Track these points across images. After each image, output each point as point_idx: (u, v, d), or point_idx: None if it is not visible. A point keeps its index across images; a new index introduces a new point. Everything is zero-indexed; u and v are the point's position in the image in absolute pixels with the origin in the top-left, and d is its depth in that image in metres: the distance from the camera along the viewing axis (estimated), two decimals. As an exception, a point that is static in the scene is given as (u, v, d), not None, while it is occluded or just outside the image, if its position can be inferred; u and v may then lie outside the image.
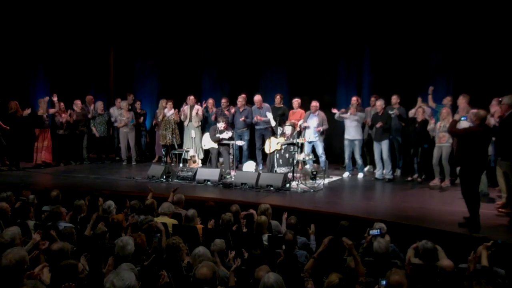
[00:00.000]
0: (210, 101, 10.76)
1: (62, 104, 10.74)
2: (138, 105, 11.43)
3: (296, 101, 9.78)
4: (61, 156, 10.84)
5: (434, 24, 9.73)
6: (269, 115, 9.62)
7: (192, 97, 10.59)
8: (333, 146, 10.63)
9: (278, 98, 10.09)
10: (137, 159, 11.13)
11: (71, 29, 12.37)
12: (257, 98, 9.96)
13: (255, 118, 9.83)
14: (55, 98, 10.55)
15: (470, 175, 5.77)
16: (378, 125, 8.70)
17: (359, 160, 9.27)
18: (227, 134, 9.25)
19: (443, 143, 8.17)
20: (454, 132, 6.09)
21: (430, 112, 8.67)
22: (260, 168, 9.88)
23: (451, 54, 9.71)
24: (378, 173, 9.03)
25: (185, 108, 10.60)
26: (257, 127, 9.99)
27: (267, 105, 9.98)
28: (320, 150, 9.41)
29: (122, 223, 5.17)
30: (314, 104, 9.40)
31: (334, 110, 9.59)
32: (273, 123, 9.51)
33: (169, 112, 10.56)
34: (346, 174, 9.42)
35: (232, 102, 10.33)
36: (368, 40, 10.77)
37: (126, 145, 10.99)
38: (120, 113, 10.96)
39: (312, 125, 9.37)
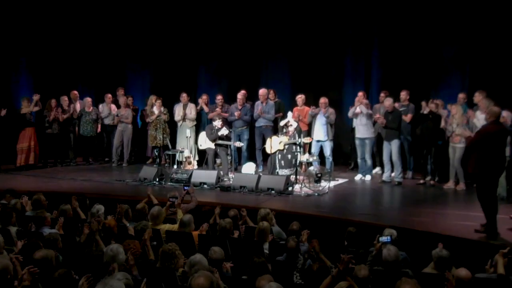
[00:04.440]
0: (204, 97, 10.71)
1: (54, 101, 10.67)
2: (130, 101, 11.42)
3: (300, 98, 9.76)
4: (48, 157, 10.83)
5: (447, 13, 9.68)
6: (268, 116, 9.62)
7: (184, 95, 10.58)
8: (342, 146, 10.62)
9: (271, 93, 10.15)
10: (129, 160, 11.13)
11: (57, 20, 12.35)
12: (261, 92, 9.90)
13: (257, 111, 9.81)
14: (36, 98, 10.48)
15: (486, 179, 5.74)
16: (380, 121, 8.70)
17: (368, 161, 9.25)
18: (224, 131, 9.25)
19: (456, 143, 8.14)
20: (470, 146, 6.03)
21: (446, 114, 8.59)
22: (260, 170, 9.88)
23: (466, 46, 9.67)
24: (385, 175, 9.01)
25: (179, 107, 10.60)
26: (257, 125, 9.96)
27: (271, 102, 9.95)
28: (328, 151, 9.40)
29: (114, 229, 5.16)
30: (323, 100, 9.37)
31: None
32: (281, 123, 9.45)
33: (157, 111, 10.50)
34: (358, 177, 9.38)
35: (231, 99, 10.31)
36: (376, 31, 10.73)
37: (120, 144, 10.97)
38: (115, 109, 10.96)
39: (321, 123, 9.35)
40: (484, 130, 5.86)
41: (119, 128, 10.92)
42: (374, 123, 9.16)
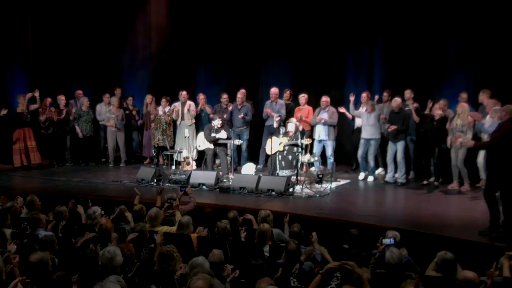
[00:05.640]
0: (201, 97, 10.68)
1: (49, 99, 10.66)
2: (130, 101, 11.42)
3: (303, 97, 9.76)
4: (44, 158, 10.79)
5: (452, 10, 9.64)
6: (276, 115, 9.59)
7: (184, 93, 10.57)
8: (343, 145, 10.60)
9: (287, 93, 10.16)
10: (126, 161, 11.09)
11: (52, 17, 12.33)
12: (273, 91, 9.90)
13: (265, 112, 9.81)
14: (36, 94, 10.46)
15: (505, 179, 5.68)
16: (391, 129, 8.64)
17: (371, 162, 9.22)
18: (223, 133, 9.23)
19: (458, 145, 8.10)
20: (489, 145, 6.00)
21: (452, 115, 8.55)
22: (260, 166, 9.88)
23: (471, 44, 9.61)
24: (388, 176, 9.00)
25: (177, 105, 10.59)
26: (266, 124, 9.95)
27: (281, 101, 9.93)
28: (329, 151, 9.38)
29: (110, 231, 5.15)
30: (325, 99, 9.39)
31: (342, 109, 9.58)
32: (275, 125, 9.47)
33: (166, 108, 10.52)
34: (361, 176, 9.36)
35: (230, 98, 10.31)
36: (379, 29, 10.69)
37: (114, 145, 10.96)
38: (109, 110, 10.93)
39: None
40: (501, 128, 5.79)
41: (112, 129, 10.86)
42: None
